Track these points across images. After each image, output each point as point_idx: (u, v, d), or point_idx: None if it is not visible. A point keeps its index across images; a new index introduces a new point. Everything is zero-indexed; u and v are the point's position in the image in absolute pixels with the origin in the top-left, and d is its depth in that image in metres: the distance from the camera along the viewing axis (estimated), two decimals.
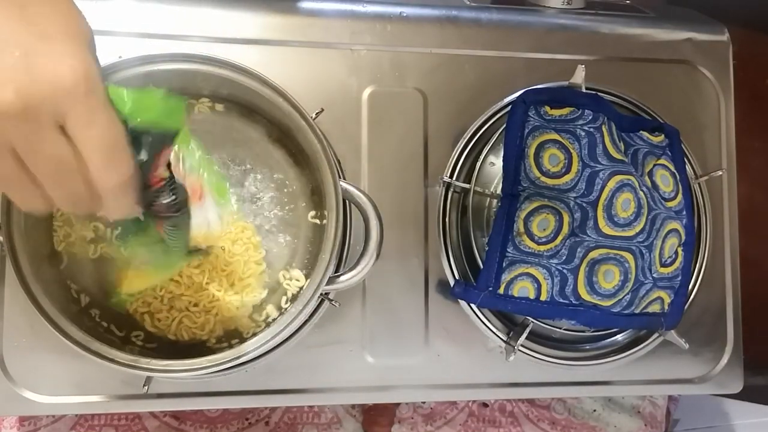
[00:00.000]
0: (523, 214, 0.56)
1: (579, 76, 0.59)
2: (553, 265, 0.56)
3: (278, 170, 0.56)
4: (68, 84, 0.29)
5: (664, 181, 0.59)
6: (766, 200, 0.75)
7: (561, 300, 0.56)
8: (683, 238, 0.59)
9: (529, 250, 0.56)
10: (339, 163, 0.58)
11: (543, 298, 0.56)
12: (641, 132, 0.60)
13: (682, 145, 0.61)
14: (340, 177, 0.50)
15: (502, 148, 0.57)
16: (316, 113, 0.55)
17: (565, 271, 0.56)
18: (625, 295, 0.57)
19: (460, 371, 0.60)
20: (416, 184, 0.60)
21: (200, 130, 0.55)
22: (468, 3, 0.65)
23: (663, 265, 0.58)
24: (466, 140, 0.60)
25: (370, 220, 0.50)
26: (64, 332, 0.47)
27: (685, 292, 0.60)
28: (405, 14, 0.61)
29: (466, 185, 0.59)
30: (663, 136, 0.61)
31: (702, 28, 0.67)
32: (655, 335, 0.62)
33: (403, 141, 0.60)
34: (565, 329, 0.61)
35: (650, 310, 0.59)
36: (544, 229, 0.56)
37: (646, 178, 0.58)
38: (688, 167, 0.62)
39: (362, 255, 0.50)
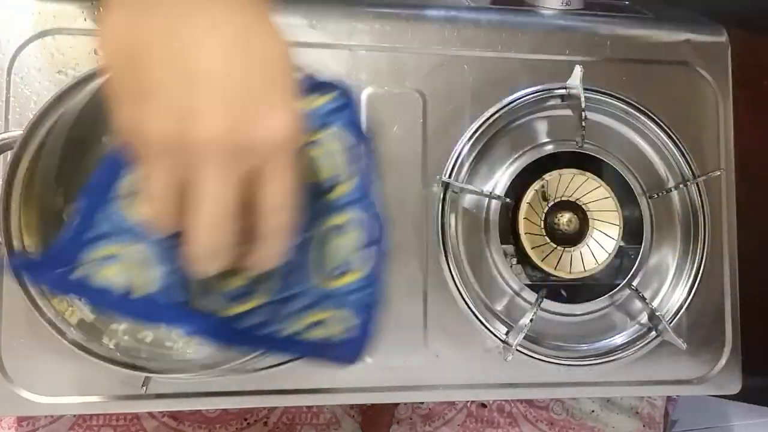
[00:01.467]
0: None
1: (577, 77, 0.60)
2: (164, 248, 0.39)
3: None
4: (277, 138, 0.31)
5: (323, 164, 0.42)
6: (765, 201, 0.75)
7: (166, 298, 0.40)
8: (364, 237, 0.42)
9: (130, 225, 0.39)
10: None
11: (138, 292, 0.40)
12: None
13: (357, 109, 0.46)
14: None
15: (499, 147, 0.57)
16: None
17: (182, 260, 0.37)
18: (260, 306, 0.41)
19: (459, 372, 0.60)
20: (415, 185, 0.60)
21: None
22: (467, 4, 0.65)
23: (332, 275, 0.42)
24: (464, 141, 0.60)
25: None
26: (62, 333, 0.47)
27: (374, 314, 0.42)
28: (404, 15, 0.61)
29: (465, 185, 0.59)
30: (332, 95, 0.42)
31: (701, 29, 0.67)
32: (654, 334, 0.62)
33: (401, 142, 0.60)
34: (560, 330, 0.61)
35: (312, 335, 0.42)
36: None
37: None
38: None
39: None
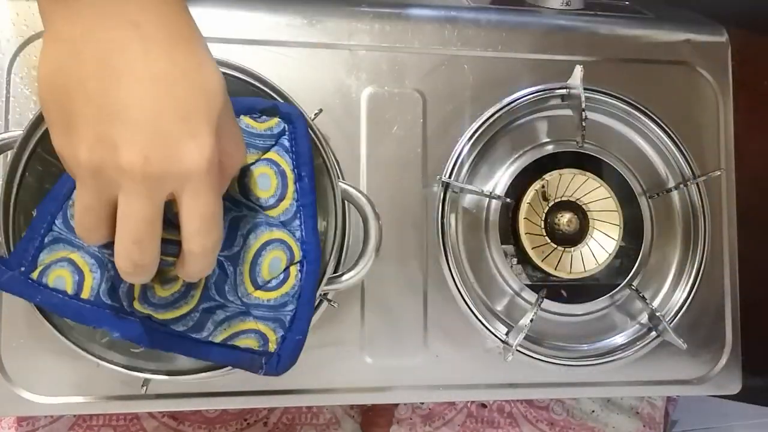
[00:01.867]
0: None
1: (577, 77, 0.60)
2: (107, 254, 0.42)
3: None
4: (192, 167, 0.32)
5: (262, 184, 0.45)
6: (765, 201, 0.75)
7: (109, 302, 0.43)
8: (297, 255, 0.45)
9: None
10: (338, 163, 0.58)
11: (85, 295, 0.42)
12: (241, 117, 0.46)
13: (312, 131, 0.48)
14: (338, 178, 0.50)
15: (499, 147, 0.57)
16: (315, 114, 0.55)
17: None
18: (192, 312, 0.44)
19: (459, 372, 0.60)
20: (415, 185, 0.60)
21: None
22: (467, 4, 0.65)
23: (261, 288, 0.45)
24: (464, 141, 0.60)
25: (369, 221, 0.50)
26: (62, 333, 0.47)
27: (304, 329, 0.45)
28: (404, 14, 0.61)
29: (465, 185, 0.59)
30: (277, 119, 0.46)
31: (701, 29, 0.67)
32: (654, 334, 0.62)
33: (401, 141, 0.60)
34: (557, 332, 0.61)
35: (241, 343, 0.45)
36: None
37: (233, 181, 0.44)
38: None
39: (361, 255, 0.50)
